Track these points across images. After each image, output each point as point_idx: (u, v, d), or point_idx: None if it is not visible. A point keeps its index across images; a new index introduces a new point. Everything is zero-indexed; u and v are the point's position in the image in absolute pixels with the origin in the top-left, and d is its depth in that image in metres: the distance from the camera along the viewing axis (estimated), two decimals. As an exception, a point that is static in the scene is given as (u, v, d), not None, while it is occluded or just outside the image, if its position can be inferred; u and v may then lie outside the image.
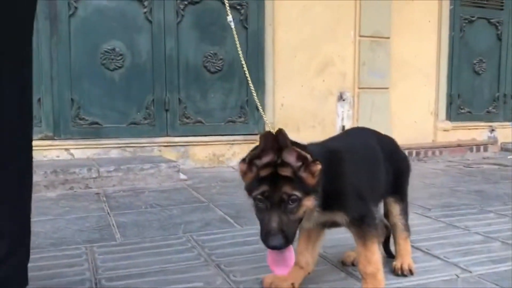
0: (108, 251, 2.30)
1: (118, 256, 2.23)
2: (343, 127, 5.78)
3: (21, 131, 1.54)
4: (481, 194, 3.71)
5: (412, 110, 6.15)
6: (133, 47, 4.76)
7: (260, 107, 2.00)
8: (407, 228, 2.02)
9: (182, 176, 4.27)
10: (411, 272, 1.96)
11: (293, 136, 1.49)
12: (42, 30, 4.40)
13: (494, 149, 6.47)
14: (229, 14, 2.07)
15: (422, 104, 6.26)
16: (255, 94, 2.06)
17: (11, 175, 1.49)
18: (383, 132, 2.09)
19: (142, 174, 4.03)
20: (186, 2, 4.90)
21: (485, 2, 6.61)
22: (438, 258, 2.20)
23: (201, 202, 3.43)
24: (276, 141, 1.44)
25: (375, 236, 1.67)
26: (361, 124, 5.62)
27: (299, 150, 1.47)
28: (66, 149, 4.48)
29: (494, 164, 5.44)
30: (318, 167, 1.50)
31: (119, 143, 4.66)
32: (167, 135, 4.88)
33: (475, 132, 6.62)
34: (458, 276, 1.97)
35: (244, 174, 1.55)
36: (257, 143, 1.51)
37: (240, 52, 2.09)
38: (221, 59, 5.01)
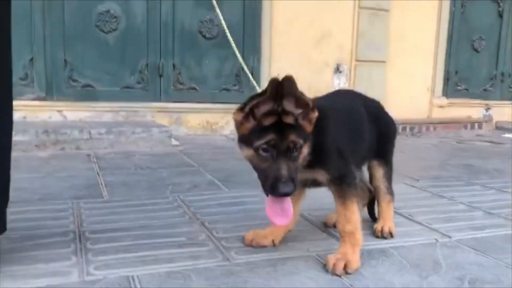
0: (94, 207, 2.32)
1: (103, 212, 2.25)
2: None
3: None
4: (470, 168, 3.74)
5: (408, 85, 6.12)
6: (128, 10, 4.69)
7: (250, 75, 1.97)
8: (390, 192, 2.03)
9: (174, 142, 4.27)
10: (391, 235, 1.99)
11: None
12: (35, -12, 4.33)
13: (489, 127, 6.48)
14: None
15: (419, 80, 6.23)
16: (242, 63, 2.02)
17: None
18: None
19: (133, 138, 4.03)
20: (183, -34, 4.82)
21: (488, -22, 6.52)
22: (420, 224, 2.22)
23: (191, 166, 3.44)
24: (280, 88, 1.41)
25: (355, 195, 1.68)
26: (356, 97, 5.60)
27: (303, 96, 1.46)
28: (59, 111, 4.46)
29: (487, 141, 5.46)
30: (316, 114, 1.51)
31: (112, 107, 4.64)
32: (161, 101, 4.87)
33: (470, 109, 6.61)
34: (437, 241, 2.00)
35: (240, 124, 1.52)
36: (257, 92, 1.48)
37: (223, 22, 2.02)
38: (217, 25, 4.95)
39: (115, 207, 2.34)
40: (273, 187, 1.45)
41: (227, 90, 5.11)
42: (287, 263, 1.70)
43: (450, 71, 6.42)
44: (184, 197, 2.54)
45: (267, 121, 1.46)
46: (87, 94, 4.61)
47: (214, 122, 5.06)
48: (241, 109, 1.51)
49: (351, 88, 5.76)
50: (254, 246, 1.83)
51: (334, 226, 2.07)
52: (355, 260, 1.64)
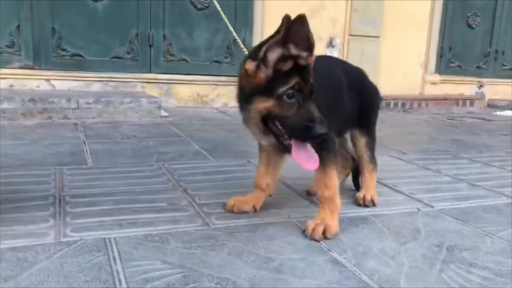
0: (77, 173, 2.30)
1: (86, 178, 2.23)
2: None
3: None
4: (459, 142, 3.74)
5: (401, 61, 6.07)
6: (117, -23, 4.59)
7: (242, 44, 1.94)
8: (373, 161, 2.03)
9: (163, 113, 4.24)
10: (373, 204, 1.99)
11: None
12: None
13: (481, 105, 6.47)
14: None
15: (412, 56, 6.18)
16: (233, 31, 1.99)
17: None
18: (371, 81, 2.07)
19: (122, 108, 3.99)
20: None
21: (485, -48, 6.41)
22: (403, 193, 2.23)
23: (179, 136, 3.42)
24: (294, 29, 1.38)
25: (334, 162, 1.67)
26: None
27: (313, 38, 1.44)
28: (47, 80, 4.40)
29: (478, 118, 5.45)
30: (313, 58, 1.49)
31: (101, 77, 4.58)
32: (151, 72, 4.80)
33: (463, 87, 6.59)
34: (419, 210, 2.00)
35: (254, 74, 1.45)
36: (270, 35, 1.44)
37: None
38: (208, -5, 4.86)
39: (98, 173, 2.32)
40: (307, 130, 1.42)
41: (218, 62, 5.05)
42: (267, 228, 1.70)
43: (443, 47, 6.37)
44: (169, 166, 2.53)
45: (286, 66, 1.42)
46: (76, 64, 4.54)
47: (204, 95, 5.01)
48: (253, 57, 1.46)
49: (344, 62, 5.71)
50: (235, 212, 1.82)
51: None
52: (334, 225, 1.64)
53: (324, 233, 1.61)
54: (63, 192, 1.99)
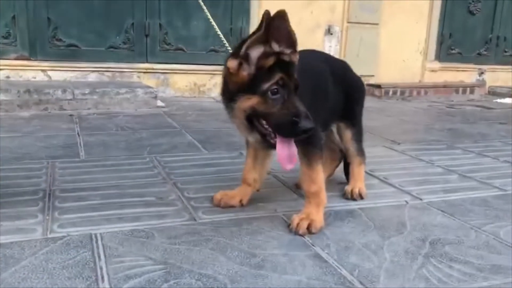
0: (69, 167, 2.32)
1: (77, 171, 2.25)
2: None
3: None
4: (455, 132, 3.73)
5: (401, 49, 6.02)
6: (113, -34, 4.56)
7: (221, 36, 1.92)
8: (360, 153, 2.03)
9: (160, 103, 4.24)
10: (361, 197, 1.99)
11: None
12: None
13: (481, 92, 6.43)
14: None
15: (412, 43, 6.12)
16: (213, 22, 1.97)
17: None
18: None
19: (117, 99, 3.99)
20: None
21: None
22: (393, 186, 2.23)
23: (174, 127, 3.43)
24: (274, 25, 1.39)
25: (320, 157, 1.67)
26: (348, 60, 5.51)
27: (294, 34, 1.43)
28: (43, 71, 4.40)
29: (477, 106, 5.43)
30: (297, 56, 1.49)
31: (97, 67, 4.57)
32: (147, 62, 4.79)
33: (463, 74, 6.54)
34: (407, 202, 2.01)
35: (237, 71, 1.45)
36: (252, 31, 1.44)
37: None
38: (204, -17, 4.81)
39: (89, 167, 2.34)
40: (294, 126, 1.42)
41: (215, 51, 5.02)
42: (253, 222, 1.71)
43: (444, 34, 6.31)
44: (161, 158, 2.54)
45: (269, 62, 1.42)
46: (72, 54, 4.53)
47: (201, 84, 5.00)
48: (235, 55, 1.46)
49: (342, 51, 5.67)
50: (222, 206, 1.84)
51: (306, 187, 2.09)
52: (319, 220, 1.65)
53: (309, 227, 1.62)
54: (53, 187, 2.01)
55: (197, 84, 4.98)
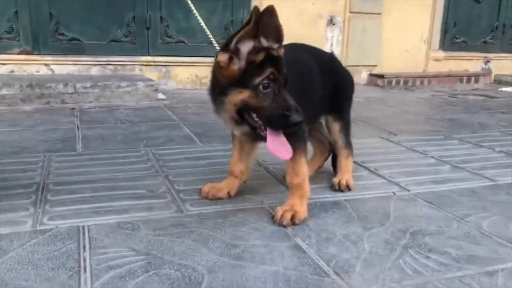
0: (65, 160, 2.37)
1: (73, 165, 2.30)
2: (332, 52, 5.67)
3: None
4: (454, 122, 3.72)
5: (404, 38, 5.99)
6: (113, -41, 4.58)
7: (207, 30, 1.93)
8: (348, 146, 2.04)
9: (161, 96, 4.28)
10: (348, 188, 2.01)
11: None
12: None
13: (486, 81, 6.37)
14: None
15: (416, 32, 6.08)
16: (197, 15, 1.98)
17: None
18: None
19: (119, 92, 4.04)
20: None
21: None
22: (382, 177, 2.25)
23: (172, 120, 3.47)
24: (263, 20, 1.41)
25: (303, 150, 1.70)
26: (350, 50, 5.52)
27: (281, 29, 1.46)
28: (46, 65, 4.46)
29: (481, 95, 5.39)
30: (283, 50, 1.51)
31: (99, 61, 4.62)
32: (149, 54, 4.83)
33: (468, 63, 6.49)
34: (394, 194, 2.03)
35: (227, 66, 1.47)
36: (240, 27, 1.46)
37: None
38: (204, -25, 4.82)
39: (85, 160, 2.39)
40: (284, 119, 1.45)
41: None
42: (238, 214, 1.75)
43: (448, 23, 6.25)
44: (156, 151, 2.58)
45: (259, 57, 1.45)
46: (74, 48, 4.59)
47: (203, 76, 5.02)
48: (224, 49, 1.47)
49: (345, 41, 5.65)
50: (210, 198, 1.87)
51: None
52: (302, 211, 1.68)
53: (292, 219, 1.65)
54: (47, 180, 2.06)
55: (199, 76, 5.01)
